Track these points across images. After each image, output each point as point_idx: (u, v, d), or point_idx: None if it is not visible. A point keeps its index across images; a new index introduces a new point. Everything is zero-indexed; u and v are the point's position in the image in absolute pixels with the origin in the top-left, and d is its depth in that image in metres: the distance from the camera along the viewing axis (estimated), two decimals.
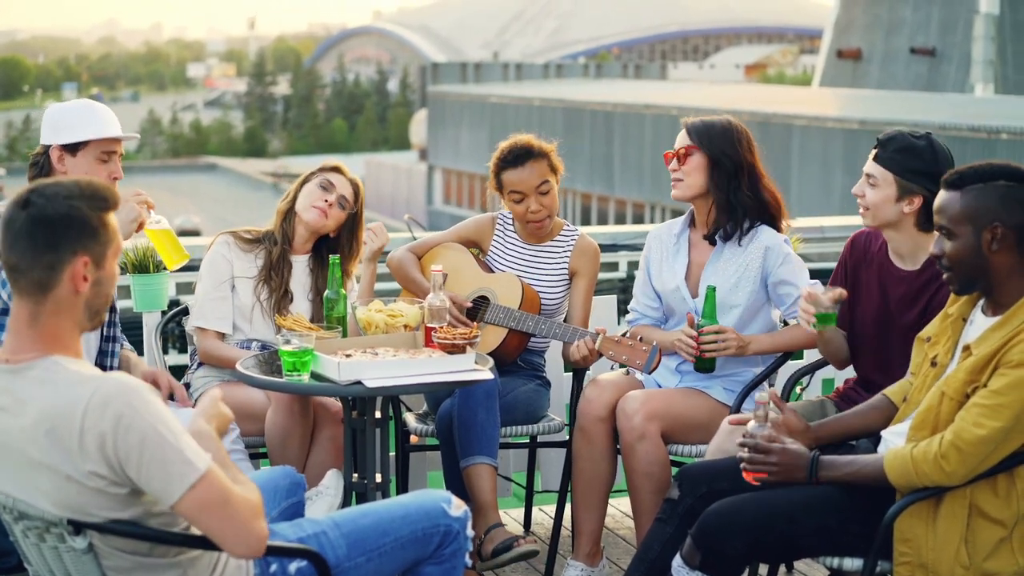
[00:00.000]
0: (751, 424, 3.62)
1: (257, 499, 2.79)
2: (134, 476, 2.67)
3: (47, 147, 4.35)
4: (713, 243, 4.67)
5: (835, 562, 3.54)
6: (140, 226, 4.37)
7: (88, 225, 2.74)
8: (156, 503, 2.75)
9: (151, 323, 5.13)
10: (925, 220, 4.06)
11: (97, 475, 2.67)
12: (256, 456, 4.81)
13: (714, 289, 4.50)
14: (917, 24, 41.20)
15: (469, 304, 4.85)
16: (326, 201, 4.80)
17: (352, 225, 4.90)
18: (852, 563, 3.51)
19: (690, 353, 4.48)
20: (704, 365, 4.51)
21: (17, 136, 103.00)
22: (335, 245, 4.88)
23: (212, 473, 2.70)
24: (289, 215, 4.88)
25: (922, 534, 3.39)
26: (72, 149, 4.32)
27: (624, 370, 4.79)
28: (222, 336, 4.79)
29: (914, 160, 4.04)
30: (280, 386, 4.06)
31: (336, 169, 4.91)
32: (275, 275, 4.80)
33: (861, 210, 4.14)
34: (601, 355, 4.58)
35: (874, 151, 4.12)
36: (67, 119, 4.34)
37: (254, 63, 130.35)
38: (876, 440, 3.73)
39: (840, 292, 4.08)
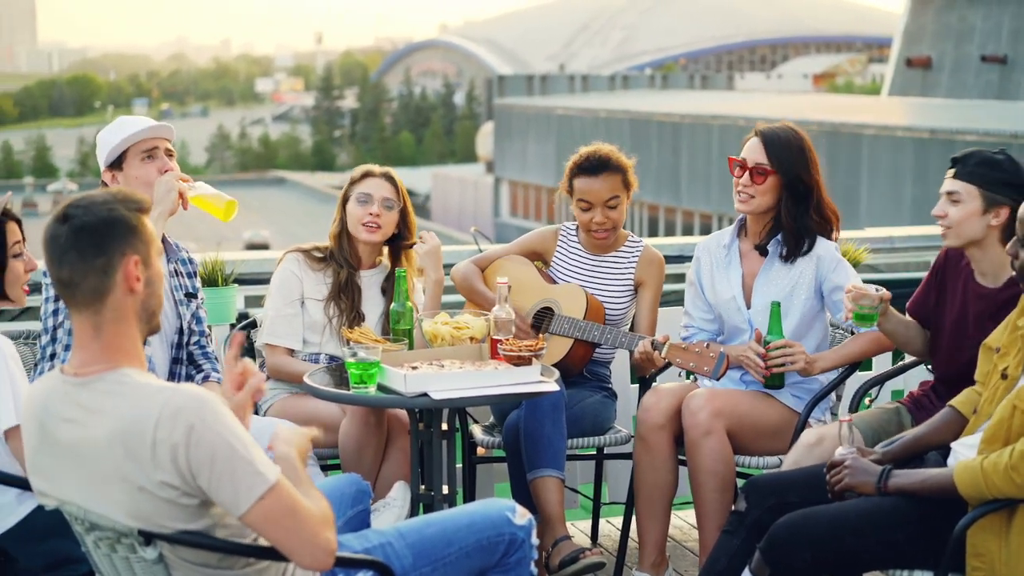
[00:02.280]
0: (839, 449, 3.66)
1: (327, 512, 2.80)
2: (205, 487, 2.69)
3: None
4: (763, 253, 4.64)
5: (904, 575, 3.51)
6: (181, 197, 4.35)
7: (129, 224, 2.78)
8: (225, 515, 2.78)
9: (219, 336, 5.17)
10: (1011, 234, 4.03)
11: (169, 485, 2.70)
12: (328, 468, 4.83)
13: (779, 304, 4.47)
14: (988, 32, 40.74)
15: (531, 320, 4.85)
16: (371, 214, 4.80)
17: (403, 219, 4.87)
18: None
19: (758, 371, 4.46)
20: (773, 382, 4.50)
21: (89, 152, 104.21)
22: (395, 243, 4.88)
23: (281, 485, 2.72)
24: (343, 237, 4.87)
25: (995, 548, 3.36)
26: (116, 165, 4.39)
27: (692, 378, 4.77)
28: (291, 352, 4.82)
29: (997, 171, 4.02)
30: (347, 398, 4.08)
31: (366, 175, 4.87)
32: (344, 297, 4.80)
33: (943, 231, 4.10)
34: (668, 364, 4.56)
35: (952, 169, 4.10)
36: (102, 142, 4.44)
37: (321, 77, 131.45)
38: (945, 452, 3.70)
39: (885, 294, 4.12)
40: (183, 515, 2.74)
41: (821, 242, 4.61)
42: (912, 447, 3.75)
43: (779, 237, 4.61)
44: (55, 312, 4.20)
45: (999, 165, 4.02)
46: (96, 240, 2.74)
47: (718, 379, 4.42)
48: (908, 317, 4.37)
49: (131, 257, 2.77)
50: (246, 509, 2.69)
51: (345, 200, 4.88)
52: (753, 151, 4.60)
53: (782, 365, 4.45)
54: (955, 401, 3.76)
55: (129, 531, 2.74)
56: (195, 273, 4.59)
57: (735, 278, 4.69)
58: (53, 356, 4.17)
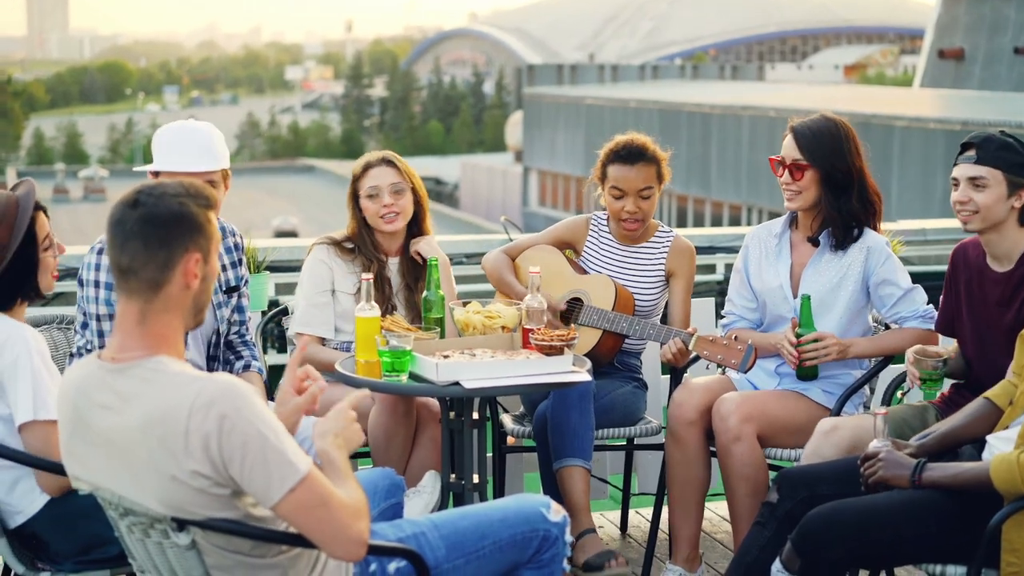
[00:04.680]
0: (873, 442, 3.63)
1: (361, 503, 2.80)
2: (236, 477, 2.70)
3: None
4: (815, 244, 4.62)
5: (937, 569, 3.49)
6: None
7: (197, 222, 2.78)
8: (256, 505, 2.78)
9: (251, 324, 5.17)
10: None
11: (201, 475, 2.70)
12: (356, 456, 4.83)
13: (809, 298, 4.45)
14: (1021, 23, 40.46)
15: (563, 307, 4.84)
16: (385, 206, 4.80)
17: (415, 197, 4.88)
18: (955, 570, 3.46)
19: (792, 359, 4.44)
20: (806, 373, 4.48)
21: (120, 139, 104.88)
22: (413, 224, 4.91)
23: (313, 475, 2.72)
24: (363, 232, 4.87)
25: None
26: (157, 174, 4.35)
27: (720, 371, 4.75)
28: (323, 340, 4.82)
29: (1016, 155, 4.03)
30: (378, 386, 4.08)
31: (366, 168, 4.87)
32: (376, 291, 4.80)
33: (967, 215, 4.07)
34: (696, 357, 4.54)
35: (972, 153, 4.06)
36: (157, 144, 4.39)
37: (351, 65, 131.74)
38: (980, 446, 3.67)
39: (942, 351, 4.15)
40: (214, 505, 2.75)
41: (871, 234, 4.58)
42: (947, 440, 3.73)
43: (829, 228, 4.59)
44: None
45: (1015, 148, 4.05)
46: (162, 233, 2.74)
47: (746, 372, 4.40)
48: (952, 344, 4.36)
49: (193, 254, 2.77)
50: (278, 499, 2.69)
51: (355, 197, 4.89)
52: (789, 148, 4.59)
53: (814, 358, 4.43)
54: (990, 393, 3.74)
55: (162, 517, 2.75)
56: (241, 261, 4.58)
57: (784, 268, 4.67)
58: None
